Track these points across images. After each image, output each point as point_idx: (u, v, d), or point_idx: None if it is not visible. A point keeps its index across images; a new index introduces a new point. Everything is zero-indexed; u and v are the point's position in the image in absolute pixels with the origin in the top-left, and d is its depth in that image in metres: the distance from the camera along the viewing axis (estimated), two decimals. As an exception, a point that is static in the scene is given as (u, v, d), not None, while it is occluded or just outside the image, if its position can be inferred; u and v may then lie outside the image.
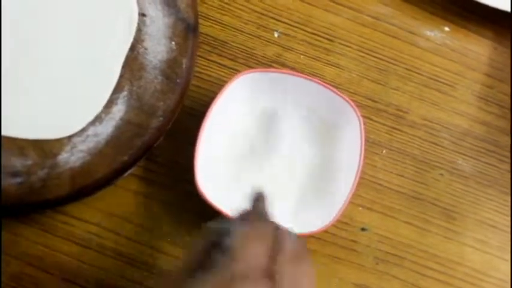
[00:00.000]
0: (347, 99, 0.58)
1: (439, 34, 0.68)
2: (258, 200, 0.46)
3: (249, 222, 0.43)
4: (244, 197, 0.47)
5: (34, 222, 0.58)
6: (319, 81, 0.58)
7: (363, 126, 0.57)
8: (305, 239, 0.48)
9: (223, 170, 0.59)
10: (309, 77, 0.59)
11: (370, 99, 0.65)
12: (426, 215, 0.64)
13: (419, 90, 0.66)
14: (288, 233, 0.44)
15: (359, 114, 0.58)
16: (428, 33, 0.68)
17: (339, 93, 0.58)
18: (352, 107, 0.57)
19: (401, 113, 0.65)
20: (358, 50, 0.66)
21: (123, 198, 0.60)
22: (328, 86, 0.58)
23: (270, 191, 0.59)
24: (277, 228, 0.43)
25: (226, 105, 0.58)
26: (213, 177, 0.57)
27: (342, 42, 0.66)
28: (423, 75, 0.67)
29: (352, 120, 0.58)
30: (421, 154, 0.65)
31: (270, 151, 0.61)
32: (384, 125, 0.65)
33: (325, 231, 0.61)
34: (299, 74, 0.60)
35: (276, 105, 0.60)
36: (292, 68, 0.64)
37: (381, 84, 0.66)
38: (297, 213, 0.59)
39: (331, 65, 0.65)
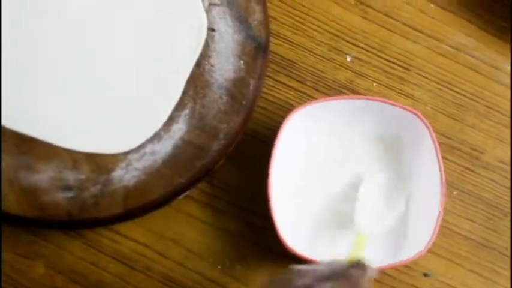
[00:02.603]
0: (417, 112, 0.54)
1: (522, 70, 0.63)
2: (357, 268, 0.42)
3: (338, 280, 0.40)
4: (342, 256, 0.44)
5: (80, 236, 0.57)
6: (388, 101, 0.55)
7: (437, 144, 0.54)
8: None
9: (293, 201, 0.56)
10: (377, 98, 0.55)
11: (444, 135, 0.61)
12: (495, 266, 0.59)
13: (497, 129, 0.62)
14: None
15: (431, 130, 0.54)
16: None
17: (407, 107, 0.54)
18: (423, 122, 0.54)
19: (476, 153, 0.61)
20: (435, 82, 0.61)
21: (176, 220, 0.57)
22: (397, 103, 0.55)
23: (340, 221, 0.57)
24: None
25: (294, 134, 0.54)
26: (283, 211, 0.53)
27: (419, 72, 0.61)
28: (503, 113, 0.62)
29: (426, 142, 0.54)
30: (494, 199, 0.60)
31: (339, 181, 0.57)
32: (457, 164, 0.61)
33: (385, 273, 0.58)
34: (368, 96, 0.57)
35: (347, 133, 0.57)
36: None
37: (457, 120, 0.61)
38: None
39: (405, 95, 0.61)
